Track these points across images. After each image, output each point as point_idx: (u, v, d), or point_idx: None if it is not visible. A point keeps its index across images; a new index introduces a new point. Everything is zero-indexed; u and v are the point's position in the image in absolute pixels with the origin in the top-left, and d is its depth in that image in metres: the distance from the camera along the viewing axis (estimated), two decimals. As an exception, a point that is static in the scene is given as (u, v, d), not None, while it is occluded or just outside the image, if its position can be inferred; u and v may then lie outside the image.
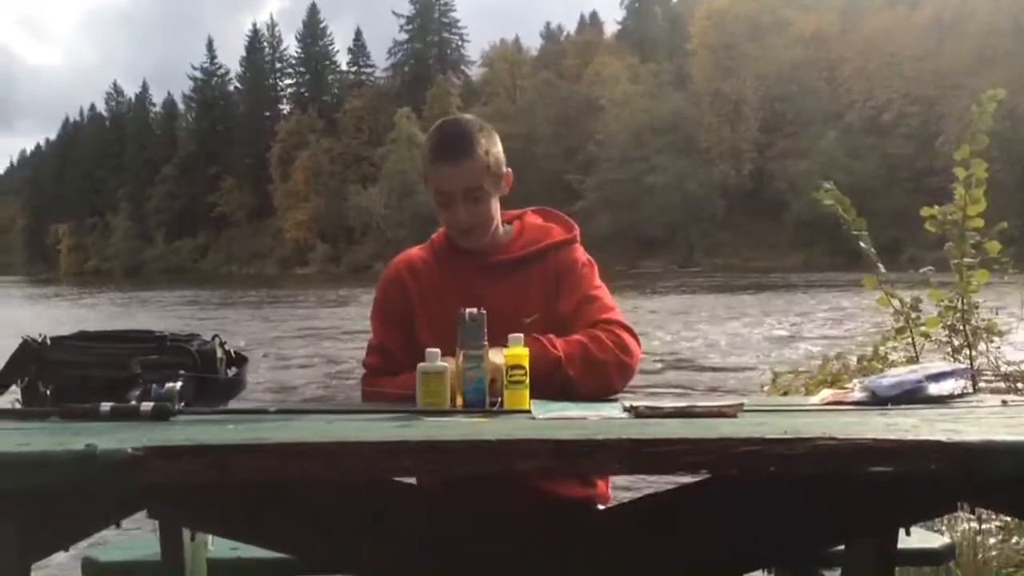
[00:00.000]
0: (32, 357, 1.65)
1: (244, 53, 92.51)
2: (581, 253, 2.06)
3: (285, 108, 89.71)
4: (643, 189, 58.00)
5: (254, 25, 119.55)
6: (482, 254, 2.01)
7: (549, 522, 1.73)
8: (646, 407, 1.52)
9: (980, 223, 3.33)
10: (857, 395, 1.72)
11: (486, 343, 1.65)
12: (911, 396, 1.68)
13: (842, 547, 1.84)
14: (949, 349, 3.46)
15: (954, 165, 3.34)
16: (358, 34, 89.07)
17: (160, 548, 1.73)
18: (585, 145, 61.96)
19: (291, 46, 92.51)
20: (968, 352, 3.41)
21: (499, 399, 1.63)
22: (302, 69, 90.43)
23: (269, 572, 1.91)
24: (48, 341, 1.67)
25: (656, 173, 57.90)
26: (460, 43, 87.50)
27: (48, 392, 1.62)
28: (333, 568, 1.74)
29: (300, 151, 78.50)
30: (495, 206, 1.99)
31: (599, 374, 1.85)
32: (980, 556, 2.81)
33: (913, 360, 3.31)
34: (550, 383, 1.75)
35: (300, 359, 12.61)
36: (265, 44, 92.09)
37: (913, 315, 3.41)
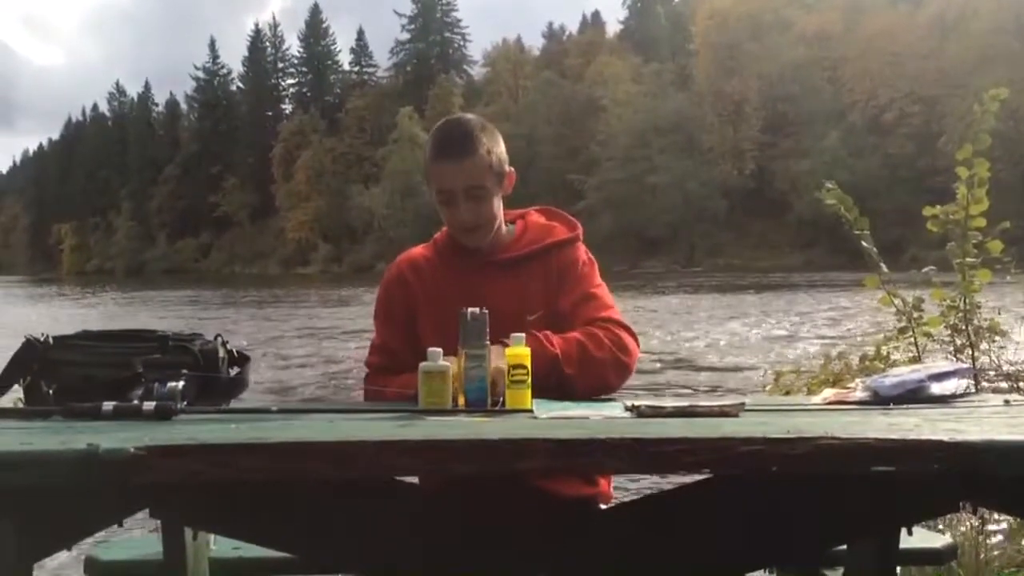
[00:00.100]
0: (35, 356, 1.65)
1: (246, 53, 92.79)
2: (583, 252, 2.06)
3: (287, 108, 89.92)
4: (645, 189, 58.00)
5: (256, 25, 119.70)
6: (485, 253, 2.01)
7: (551, 521, 1.73)
8: (648, 407, 1.52)
9: (982, 223, 3.32)
10: (859, 395, 1.71)
11: (488, 342, 1.65)
12: (913, 396, 1.68)
13: (844, 547, 1.84)
14: (951, 349, 3.46)
15: (956, 165, 3.33)
16: (360, 34, 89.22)
17: (162, 547, 1.73)
18: (587, 145, 61.96)
19: (293, 46, 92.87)
20: (970, 352, 3.41)
21: (501, 399, 1.64)
22: (304, 69, 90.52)
23: (271, 571, 1.91)
24: (51, 340, 1.68)
25: (658, 173, 57.89)
26: (462, 43, 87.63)
27: (51, 391, 1.62)
28: (335, 567, 1.74)
29: (302, 151, 78.59)
30: (498, 205, 1.99)
31: (596, 372, 1.85)
32: (982, 556, 2.81)
33: (915, 360, 3.30)
34: (547, 381, 1.75)
35: (302, 359, 12.61)
36: (267, 44, 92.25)
37: (915, 315, 3.41)
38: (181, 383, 1.56)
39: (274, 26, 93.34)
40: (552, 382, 1.77)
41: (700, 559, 1.65)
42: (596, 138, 61.78)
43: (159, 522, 1.68)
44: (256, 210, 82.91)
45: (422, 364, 1.61)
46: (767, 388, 4.07)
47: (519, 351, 1.63)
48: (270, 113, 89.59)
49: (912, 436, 1.22)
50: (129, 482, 1.13)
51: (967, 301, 3.38)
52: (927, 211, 3.44)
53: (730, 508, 1.61)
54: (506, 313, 1.79)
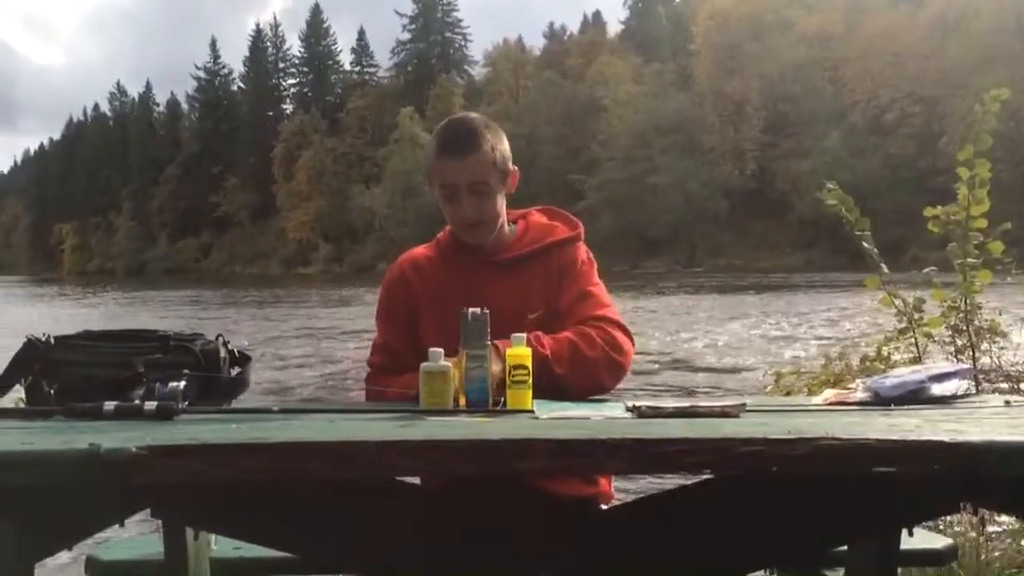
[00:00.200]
0: (36, 356, 1.65)
1: (247, 53, 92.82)
2: (583, 251, 2.06)
3: (288, 108, 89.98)
4: (646, 189, 57.99)
5: (257, 25, 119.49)
6: (487, 252, 2.02)
7: (552, 522, 1.73)
8: (648, 407, 1.52)
9: (983, 223, 3.32)
10: (860, 395, 1.71)
11: (490, 343, 1.65)
12: (914, 396, 1.68)
13: (845, 547, 1.84)
14: (952, 349, 3.45)
15: (957, 165, 3.33)
16: (361, 34, 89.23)
17: (163, 547, 1.73)
18: (588, 145, 61.97)
19: (294, 46, 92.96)
20: (971, 352, 3.40)
21: (502, 399, 1.64)
22: (305, 69, 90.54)
23: (272, 571, 1.91)
24: (52, 340, 1.68)
25: (659, 173, 57.88)
26: (463, 43, 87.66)
27: (52, 391, 1.62)
28: (336, 568, 1.74)
29: (303, 151, 78.64)
30: (501, 203, 1.99)
31: (588, 372, 1.84)
32: (983, 557, 2.81)
33: (916, 360, 3.30)
34: (538, 381, 1.75)
35: (303, 359, 12.62)
36: (268, 44, 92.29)
37: (916, 315, 3.41)
38: (182, 383, 1.56)
39: (275, 26, 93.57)
40: (543, 382, 1.76)
41: (701, 559, 1.65)
42: (597, 138, 61.78)
43: (160, 522, 1.68)
44: (257, 210, 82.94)
45: (423, 364, 1.61)
46: (767, 389, 4.06)
47: (520, 351, 1.63)
48: (271, 113, 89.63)
49: (913, 437, 1.22)
50: (130, 482, 1.13)
51: (968, 302, 3.37)
52: (928, 212, 3.44)
53: (731, 509, 1.61)
54: (507, 313, 1.79)
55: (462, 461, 1.21)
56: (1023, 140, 39.54)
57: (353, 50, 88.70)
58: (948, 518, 2.87)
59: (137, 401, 1.49)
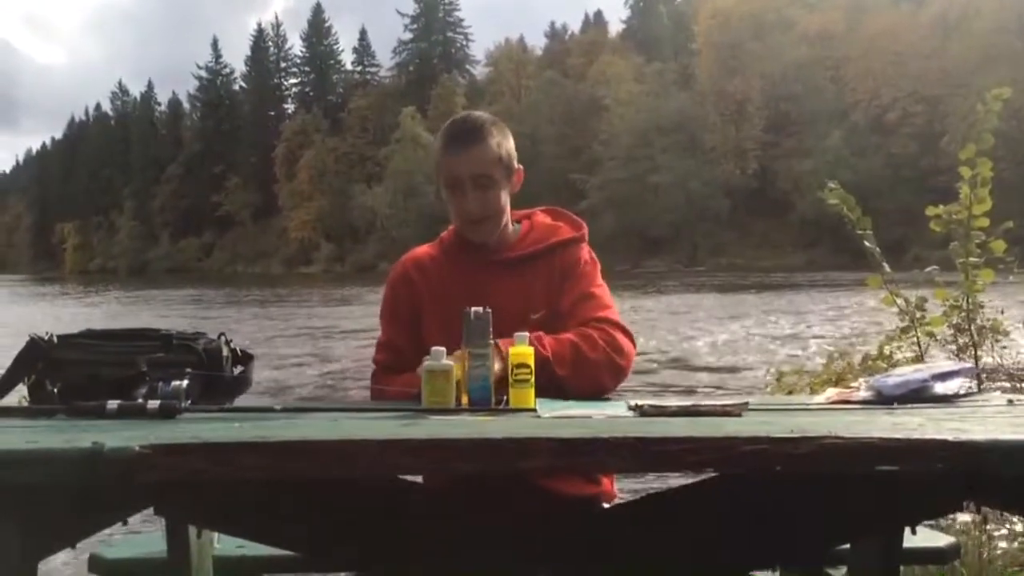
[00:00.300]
0: (39, 355, 1.65)
1: (249, 53, 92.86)
2: (586, 252, 2.06)
3: (290, 108, 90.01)
4: (647, 188, 57.96)
5: (259, 25, 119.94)
6: (490, 251, 2.02)
7: (554, 520, 1.73)
8: (651, 406, 1.52)
9: (985, 222, 3.31)
10: (862, 394, 1.71)
11: (492, 341, 1.65)
12: (917, 395, 1.68)
13: (848, 546, 1.84)
14: (954, 348, 3.45)
15: (959, 164, 3.32)
16: (363, 33, 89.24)
17: (166, 545, 1.74)
18: (590, 144, 61.95)
19: (296, 46, 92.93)
20: (973, 351, 3.40)
21: (504, 398, 1.64)
22: (307, 68, 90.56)
23: (275, 570, 1.92)
24: (55, 339, 1.68)
25: (660, 172, 57.86)
26: (465, 42, 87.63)
27: (55, 390, 1.63)
28: (338, 566, 1.75)
29: (305, 150, 78.65)
30: (505, 200, 2.00)
31: (589, 374, 1.85)
32: (985, 555, 2.81)
33: (918, 359, 3.30)
34: (540, 382, 1.75)
35: (304, 358, 12.63)
36: (270, 44, 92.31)
37: (918, 314, 3.40)
38: (185, 382, 1.56)
39: (277, 26, 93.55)
40: (544, 383, 1.76)
41: (703, 558, 1.65)
42: (598, 137, 61.76)
43: (163, 520, 1.68)
44: (259, 209, 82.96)
45: (425, 363, 1.61)
46: (770, 388, 4.06)
47: (522, 350, 1.63)
48: (273, 113, 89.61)
49: (916, 435, 1.22)
50: (133, 480, 1.13)
51: (970, 301, 3.37)
52: (930, 211, 3.43)
53: (734, 507, 1.61)
54: (510, 312, 1.80)
55: (464, 460, 1.21)
56: (1025, 139, 39.48)
57: (355, 50, 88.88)
58: (951, 517, 2.87)
59: (140, 400, 1.49)
